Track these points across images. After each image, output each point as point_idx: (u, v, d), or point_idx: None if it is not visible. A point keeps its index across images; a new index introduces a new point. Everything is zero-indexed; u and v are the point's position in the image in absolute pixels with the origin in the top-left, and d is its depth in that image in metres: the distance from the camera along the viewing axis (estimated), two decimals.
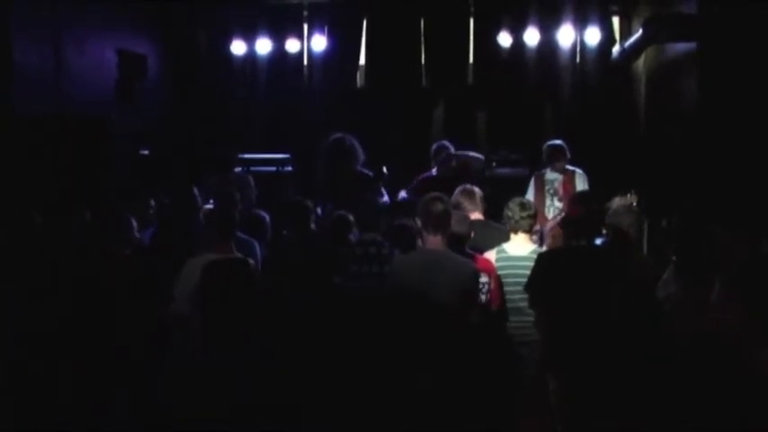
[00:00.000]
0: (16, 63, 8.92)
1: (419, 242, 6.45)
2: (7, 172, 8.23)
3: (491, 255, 6.46)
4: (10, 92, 8.86)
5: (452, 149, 9.45)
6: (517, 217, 6.46)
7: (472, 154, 9.44)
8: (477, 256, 6.36)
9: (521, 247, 6.44)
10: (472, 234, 6.53)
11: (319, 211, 8.24)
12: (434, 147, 9.60)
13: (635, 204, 7.06)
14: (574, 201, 6.50)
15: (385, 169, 9.25)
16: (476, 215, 7.02)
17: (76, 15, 9.94)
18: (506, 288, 6.26)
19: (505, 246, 6.48)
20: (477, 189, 7.21)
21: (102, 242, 6.27)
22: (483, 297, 6.18)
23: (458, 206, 7.03)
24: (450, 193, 6.68)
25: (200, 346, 5.66)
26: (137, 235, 6.64)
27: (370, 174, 8.82)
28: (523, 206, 6.52)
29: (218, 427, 5.37)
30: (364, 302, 5.68)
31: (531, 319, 6.06)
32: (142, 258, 6.35)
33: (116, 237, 6.32)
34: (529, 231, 6.52)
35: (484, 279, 6.14)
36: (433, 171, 9.42)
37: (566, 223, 6.19)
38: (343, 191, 8.29)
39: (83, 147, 9.04)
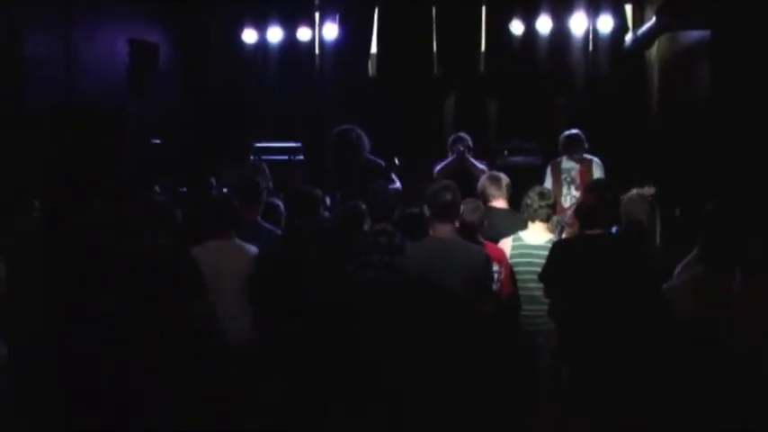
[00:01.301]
0: (27, 55, 8.92)
1: (431, 231, 6.46)
2: (20, 164, 8.24)
3: (507, 242, 6.44)
4: (21, 84, 8.86)
5: (469, 142, 9.37)
6: (536, 206, 6.44)
7: (481, 167, 9.25)
8: (489, 244, 6.34)
9: (537, 235, 6.41)
10: (485, 222, 6.52)
11: (328, 200, 8.22)
12: (453, 137, 9.49)
13: (652, 196, 7.00)
14: (587, 189, 6.44)
15: (397, 160, 9.23)
16: (500, 202, 7.01)
17: (87, 5, 9.94)
18: (521, 277, 6.24)
19: (522, 234, 6.45)
20: (503, 176, 7.14)
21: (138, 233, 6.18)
22: (494, 286, 6.18)
23: (483, 191, 7.02)
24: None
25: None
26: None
27: (380, 162, 8.79)
28: (543, 195, 6.49)
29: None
30: (376, 291, 5.67)
31: (546, 307, 6.05)
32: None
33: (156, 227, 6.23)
34: (546, 221, 6.50)
35: (495, 267, 6.13)
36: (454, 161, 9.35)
37: (579, 212, 6.16)
38: (352, 180, 8.26)
39: (95, 138, 9.04)
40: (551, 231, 6.58)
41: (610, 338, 5.48)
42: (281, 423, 5.36)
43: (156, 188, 8.17)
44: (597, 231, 5.77)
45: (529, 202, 6.49)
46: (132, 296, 5.56)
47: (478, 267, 5.73)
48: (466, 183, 7.17)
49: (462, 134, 9.51)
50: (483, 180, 7.17)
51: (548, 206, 6.46)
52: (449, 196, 5.79)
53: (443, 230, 5.81)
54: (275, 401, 5.50)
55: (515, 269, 6.31)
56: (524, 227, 6.57)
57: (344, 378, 5.27)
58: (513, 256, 6.35)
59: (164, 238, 5.92)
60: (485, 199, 7.05)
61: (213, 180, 8.49)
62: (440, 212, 5.81)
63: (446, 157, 9.41)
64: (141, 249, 5.87)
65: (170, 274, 5.72)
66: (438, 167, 9.25)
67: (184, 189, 9.10)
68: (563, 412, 5.94)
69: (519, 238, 6.44)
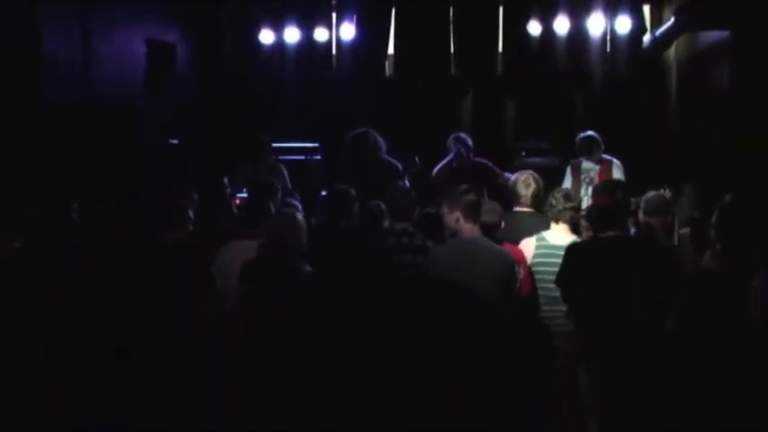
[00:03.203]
0: (46, 52, 8.96)
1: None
2: (36, 160, 8.27)
3: (531, 242, 6.40)
4: (40, 81, 8.90)
5: (469, 142, 9.40)
6: (560, 207, 6.40)
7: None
8: (508, 245, 6.31)
9: (561, 236, 6.36)
10: (503, 224, 6.49)
11: None
12: (452, 137, 9.53)
13: (669, 198, 6.95)
14: (597, 191, 6.41)
15: (417, 159, 9.24)
16: (522, 207, 6.93)
17: (106, 5, 9.97)
18: (544, 277, 6.18)
19: (546, 234, 6.42)
20: (534, 179, 7.01)
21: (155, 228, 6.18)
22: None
23: (514, 191, 6.96)
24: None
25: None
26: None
27: (397, 162, 8.80)
28: (568, 197, 6.46)
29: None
30: (401, 291, 5.67)
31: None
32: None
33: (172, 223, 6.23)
34: (570, 222, 6.45)
35: (516, 268, 6.12)
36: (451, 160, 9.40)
37: (591, 214, 6.15)
38: (369, 181, 8.26)
39: (111, 136, 9.06)
40: (574, 233, 6.51)
41: (624, 341, 5.48)
42: (298, 421, 5.35)
43: (195, 196, 8.10)
44: (610, 233, 5.75)
45: (554, 202, 6.45)
46: (143, 290, 5.58)
47: (504, 268, 5.71)
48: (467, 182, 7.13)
49: (461, 134, 9.56)
50: (515, 180, 7.08)
51: (572, 208, 6.41)
52: (472, 197, 5.79)
53: (471, 230, 5.80)
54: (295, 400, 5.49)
55: (538, 269, 6.27)
56: (545, 228, 6.54)
57: (364, 377, 5.26)
58: (536, 255, 6.32)
59: (178, 235, 5.96)
60: (513, 197, 7.01)
61: (226, 180, 8.48)
62: (466, 213, 5.79)
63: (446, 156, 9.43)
64: (155, 245, 5.90)
65: (181, 268, 5.75)
66: (436, 168, 9.28)
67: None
68: (579, 414, 5.94)
69: (543, 238, 6.41)
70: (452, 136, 9.50)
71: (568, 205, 6.39)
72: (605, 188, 6.30)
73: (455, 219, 5.84)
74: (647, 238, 6.18)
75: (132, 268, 5.69)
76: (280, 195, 7.57)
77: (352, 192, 6.71)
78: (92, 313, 5.45)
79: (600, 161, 9.25)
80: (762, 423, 4.63)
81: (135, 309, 5.50)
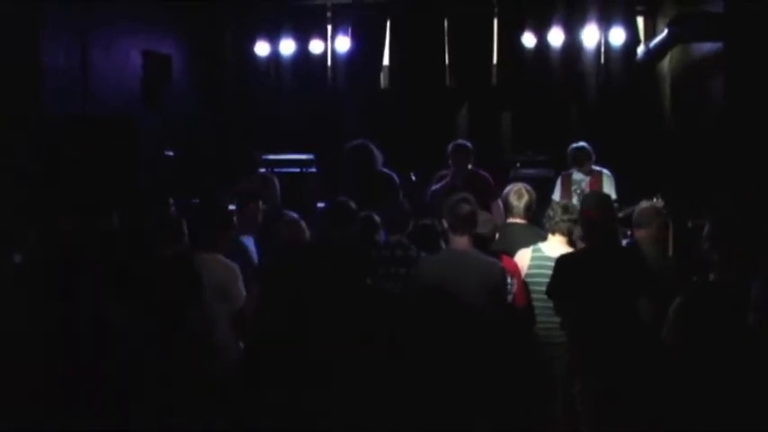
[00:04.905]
0: (44, 64, 8.99)
1: (442, 243, 6.47)
2: (34, 172, 8.29)
3: (526, 253, 6.43)
4: (37, 93, 8.92)
5: (469, 150, 9.21)
6: (557, 218, 6.43)
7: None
8: (502, 256, 6.34)
9: (557, 248, 6.38)
10: (497, 235, 6.53)
11: None
12: (451, 148, 9.18)
13: (661, 208, 6.98)
14: (584, 203, 6.45)
15: (413, 176, 9.21)
16: (516, 218, 6.96)
17: (103, 17, 9.99)
18: (540, 288, 6.20)
19: (542, 245, 6.45)
20: (526, 191, 7.02)
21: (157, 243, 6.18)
22: (509, 298, 6.19)
23: (506, 203, 6.99)
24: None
25: None
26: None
27: (393, 174, 8.80)
28: (566, 209, 6.48)
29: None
30: (396, 303, 5.69)
31: None
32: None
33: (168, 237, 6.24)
34: (566, 234, 6.47)
35: (507, 279, 6.14)
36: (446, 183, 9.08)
37: (579, 225, 6.19)
38: (366, 193, 8.27)
39: (109, 148, 9.07)
40: (570, 245, 6.55)
41: (615, 351, 5.51)
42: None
43: (171, 200, 8.14)
44: (594, 245, 5.79)
45: (551, 213, 6.49)
46: (135, 306, 5.59)
47: (494, 279, 5.75)
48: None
49: (460, 143, 9.27)
50: (508, 191, 7.10)
51: (570, 220, 6.43)
52: (467, 208, 5.81)
53: (460, 243, 5.83)
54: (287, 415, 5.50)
55: (533, 280, 6.30)
56: (538, 240, 6.57)
57: (362, 387, 5.28)
58: (531, 266, 6.35)
59: (172, 249, 5.96)
60: (506, 209, 7.03)
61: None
62: (458, 225, 5.82)
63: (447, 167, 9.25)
64: (149, 260, 5.91)
65: (172, 284, 5.75)
66: (430, 190, 9.09)
67: (196, 200, 9.13)
68: (576, 424, 5.96)
69: (539, 250, 6.44)
70: (451, 146, 9.21)
71: (566, 217, 6.42)
72: (589, 200, 6.33)
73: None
74: (631, 249, 6.23)
75: (134, 283, 5.70)
76: (262, 205, 7.55)
77: (352, 204, 6.73)
78: (90, 327, 5.46)
79: (590, 172, 9.27)
80: None
81: (136, 323, 5.51)
